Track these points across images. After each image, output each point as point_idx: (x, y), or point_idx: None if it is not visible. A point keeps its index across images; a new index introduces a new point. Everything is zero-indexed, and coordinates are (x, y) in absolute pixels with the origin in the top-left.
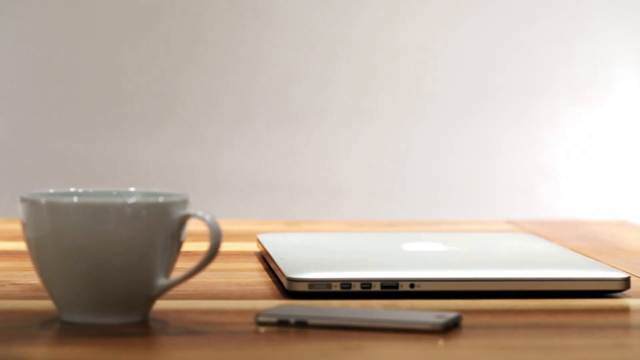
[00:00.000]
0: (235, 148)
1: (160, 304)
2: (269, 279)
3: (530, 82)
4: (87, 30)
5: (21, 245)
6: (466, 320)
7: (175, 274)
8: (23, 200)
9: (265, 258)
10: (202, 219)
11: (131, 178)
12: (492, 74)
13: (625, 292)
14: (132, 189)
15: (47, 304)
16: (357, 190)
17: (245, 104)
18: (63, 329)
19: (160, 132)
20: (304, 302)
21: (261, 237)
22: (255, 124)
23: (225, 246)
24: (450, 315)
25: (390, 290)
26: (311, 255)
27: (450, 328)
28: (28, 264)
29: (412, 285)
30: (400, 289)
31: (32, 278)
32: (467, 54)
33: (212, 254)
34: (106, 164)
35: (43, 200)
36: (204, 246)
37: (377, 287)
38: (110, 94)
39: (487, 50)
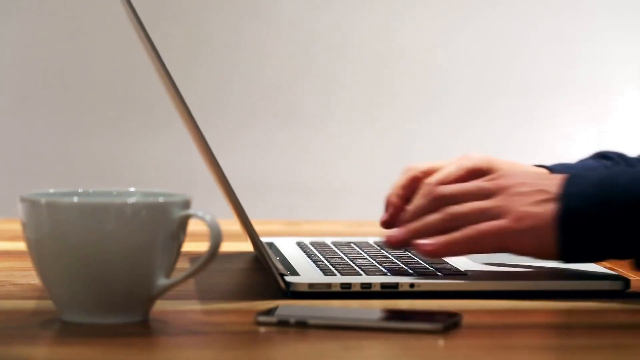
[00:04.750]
0: (237, 148)
1: (160, 304)
2: (269, 279)
3: (531, 83)
4: (88, 31)
5: (21, 245)
6: (466, 320)
7: (175, 274)
8: (23, 200)
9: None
10: (202, 219)
11: (131, 178)
12: (493, 75)
13: (625, 293)
14: (132, 189)
15: (47, 304)
16: (358, 191)
17: (247, 104)
18: (63, 329)
19: (161, 131)
20: (304, 302)
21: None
22: (256, 124)
23: (225, 246)
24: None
25: (390, 290)
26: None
27: (450, 328)
28: (28, 264)
29: (412, 285)
30: (400, 289)
31: (32, 278)
32: (469, 55)
33: (212, 254)
34: (106, 164)
35: (43, 200)
36: (204, 246)
37: (377, 287)
38: (111, 94)
39: (489, 52)
